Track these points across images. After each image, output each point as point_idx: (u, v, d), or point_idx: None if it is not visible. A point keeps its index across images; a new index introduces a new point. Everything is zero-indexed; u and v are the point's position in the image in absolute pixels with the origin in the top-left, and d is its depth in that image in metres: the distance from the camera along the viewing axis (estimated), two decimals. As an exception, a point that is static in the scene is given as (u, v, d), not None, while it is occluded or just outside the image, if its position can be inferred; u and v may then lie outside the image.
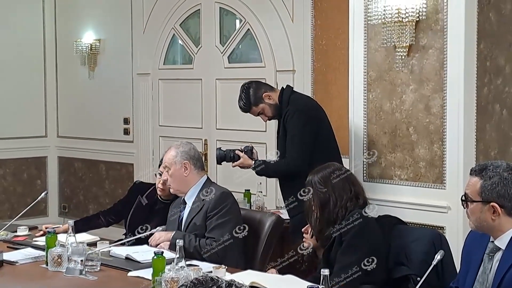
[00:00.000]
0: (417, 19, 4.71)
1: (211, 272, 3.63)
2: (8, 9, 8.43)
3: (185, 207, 4.41)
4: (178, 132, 7.54)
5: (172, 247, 4.10)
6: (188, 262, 3.64)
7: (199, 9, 7.40)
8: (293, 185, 4.62)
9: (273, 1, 6.75)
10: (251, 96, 5.03)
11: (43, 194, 5.06)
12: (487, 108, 4.80)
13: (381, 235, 3.67)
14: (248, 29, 7.00)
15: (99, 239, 4.48)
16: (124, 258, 4.02)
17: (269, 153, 6.06)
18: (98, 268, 3.81)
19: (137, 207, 4.76)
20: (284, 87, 5.11)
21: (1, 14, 8.39)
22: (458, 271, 3.37)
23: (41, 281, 3.77)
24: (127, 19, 8.03)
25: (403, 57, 4.80)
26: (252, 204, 5.82)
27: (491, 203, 3.01)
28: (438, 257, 3.20)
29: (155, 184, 4.74)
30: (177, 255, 3.44)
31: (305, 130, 4.84)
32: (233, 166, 5.09)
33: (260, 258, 4.35)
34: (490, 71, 4.81)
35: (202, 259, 4.06)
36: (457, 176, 4.63)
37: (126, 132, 8.16)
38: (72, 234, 3.90)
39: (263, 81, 5.81)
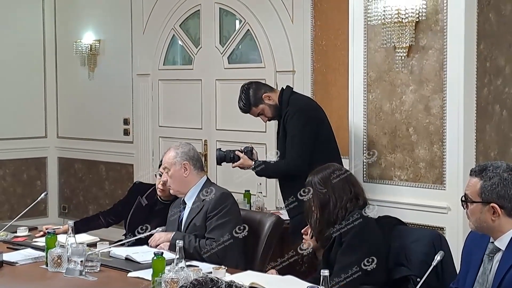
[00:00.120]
0: (417, 20, 4.71)
1: (211, 272, 3.63)
2: (8, 10, 8.43)
3: (185, 207, 4.42)
4: (178, 133, 7.54)
5: (172, 248, 4.10)
6: (188, 263, 3.64)
7: (198, 10, 7.40)
8: (293, 185, 4.62)
9: (273, 2, 6.75)
10: (251, 97, 5.03)
11: (43, 194, 5.06)
12: (487, 108, 4.80)
13: (381, 236, 3.67)
14: (248, 29, 7.00)
15: (99, 239, 4.48)
16: (124, 258, 4.02)
17: (269, 153, 6.06)
18: (98, 269, 3.81)
19: (137, 208, 4.76)
20: (284, 87, 5.11)
21: (1, 15, 8.39)
22: (458, 271, 3.37)
23: (41, 281, 3.77)
24: (127, 19, 8.03)
25: (403, 57, 4.80)
26: (252, 204, 5.82)
27: (491, 204, 3.01)
28: (438, 257, 3.20)
29: (155, 184, 4.74)
30: (177, 256, 3.44)
31: (305, 130, 4.84)
32: (233, 167, 5.09)
33: (260, 258, 4.35)
34: (490, 72, 4.81)
35: (202, 260, 4.06)
36: (457, 177, 4.63)
37: (126, 132, 8.16)
38: (72, 234, 3.90)
39: (263, 81, 5.81)
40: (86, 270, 3.74)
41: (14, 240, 4.54)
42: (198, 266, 3.77)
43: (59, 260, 3.82)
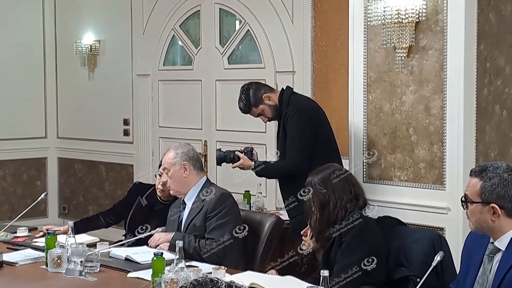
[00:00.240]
0: (417, 20, 4.71)
1: (211, 273, 3.63)
2: (8, 10, 8.43)
3: (184, 208, 4.41)
4: (178, 133, 7.54)
5: (171, 248, 4.10)
6: (187, 263, 3.64)
7: (198, 10, 7.40)
8: (293, 185, 4.62)
9: (273, 2, 6.75)
10: (251, 97, 5.03)
11: (43, 195, 5.07)
12: (487, 109, 4.80)
13: (381, 236, 3.67)
14: (248, 30, 7.00)
15: (98, 240, 4.48)
16: (123, 259, 4.02)
17: (269, 153, 6.06)
18: (98, 269, 3.81)
19: (136, 208, 4.76)
20: (284, 88, 5.11)
21: (1, 15, 8.39)
22: (458, 272, 3.37)
23: (41, 282, 3.77)
24: (127, 20, 8.03)
25: (403, 58, 4.80)
26: (251, 205, 5.82)
27: (491, 204, 3.01)
28: (438, 258, 3.20)
29: (154, 185, 4.74)
30: (177, 256, 3.44)
31: (305, 131, 4.84)
32: (233, 167, 5.10)
33: (259, 259, 4.35)
34: (490, 72, 4.81)
35: (202, 260, 4.06)
36: (457, 177, 4.63)
37: (126, 133, 8.16)
38: (71, 235, 3.90)
39: (263, 82, 5.81)
40: (86, 271, 3.74)
41: (14, 241, 4.54)
42: (198, 267, 3.77)
43: (59, 261, 3.82)
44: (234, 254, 4.21)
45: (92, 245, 4.26)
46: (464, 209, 3.12)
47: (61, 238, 4.01)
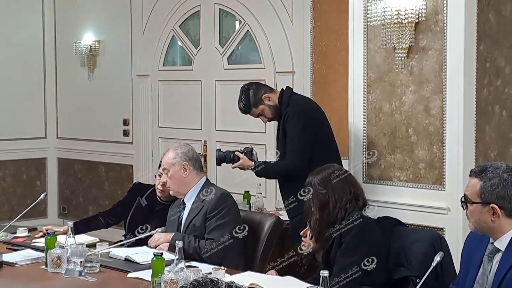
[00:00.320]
0: (417, 20, 4.71)
1: (211, 273, 3.63)
2: (8, 10, 8.43)
3: (184, 208, 4.41)
4: (178, 134, 7.54)
5: (171, 249, 4.09)
6: (187, 264, 3.64)
7: (198, 11, 7.40)
8: (293, 185, 4.62)
9: (272, 3, 6.75)
10: (250, 98, 5.03)
11: (42, 195, 5.07)
12: (486, 109, 4.80)
13: (381, 236, 3.67)
14: (248, 30, 7.00)
15: (98, 240, 4.48)
16: (123, 259, 4.02)
17: (269, 153, 6.06)
18: (98, 270, 3.81)
19: (136, 208, 4.76)
20: (284, 88, 5.11)
21: (1, 15, 8.39)
22: (457, 272, 3.37)
23: (41, 282, 3.77)
24: (126, 20, 8.03)
25: (402, 58, 4.80)
26: (251, 205, 5.82)
27: (491, 205, 3.01)
28: (437, 258, 3.20)
29: (154, 185, 4.74)
30: (177, 257, 3.44)
31: (304, 131, 4.85)
32: (233, 168, 5.10)
33: (259, 259, 4.35)
34: (490, 73, 4.81)
35: (202, 261, 4.06)
36: (456, 178, 4.63)
37: (126, 133, 8.16)
38: (71, 235, 3.90)
39: (263, 82, 5.81)
40: (85, 271, 3.74)
41: (14, 241, 4.54)
42: (197, 267, 3.77)
43: (58, 261, 3.82)
44: (234, 254, 4.21)
45: (92, 246, 4.26)
46: (464, 209, 3.12)
47: (60, 239, 4.01)
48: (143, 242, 4.30)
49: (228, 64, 7.20)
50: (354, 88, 5.12)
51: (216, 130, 7.30)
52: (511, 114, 4.95)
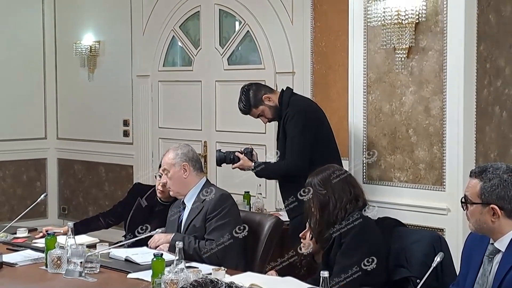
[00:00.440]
0: (417, 21, 4.71)
1: (211, 274, 3.63)
2: (8, 11, 8.43)
3: (184, 208, 4.41)
4: (178, 134, 7.54)
5: (171, 249, 4.09)
6: (187, 264, 3.64)
7: (198, 11, 7.40)
8: (293, 186, 4.62)
9: (272, 3, 6.75)
10: (251, 98, 5.03)
11: (42, 196, 5.07)
12: (486, 110, 4.80)
13: (381, 236, 3.67)
14: (248, 31, 7.00)
15: (98, 241, 4.48)
16: (123, 260, 4.02)
17: (269, 153, 6.06)
18: (98, 270, 3.81)
19: (136, 209, 4.76)
20: (284, 89, 5.11)
21: (1, 16, 8.39)
22: (457, 273, 3.37)
23: (41, 283, 3.77)
24: (126, 21, 8.03)
25: (402, 59, 4.80)
26: (251, 206, 5.82)
27: (491, 205, 3.01)
28: (437, 259, 3.20)
29: (154, 186, 4.73)
30: (177, 257, 3.44)
31: (304, 131, 4.85)
32: (233, 168, 5.10)
33: (259, 260, 4.35)
34: (490, 73, 4.81)
35: (202, 261, 4.06)
36: (456, 178, 4.63)
37: (126, 134, 8.16)
38: (71, 236, 3.90)
39: (263, 83, 5.81)
40: (85, 271, 3.74)
41: (14, 241, 4.54)
42: (197, 267, 3.77)
43: (58, 261, 3.82)
44: (234, 255, 4.21)
45: (92, 246, 4.26)
46: (464, 210, 3.12)
47: (61, 239, 4.01)
48: (143, 243, 4.30)
49: (228, 64, 7.20)
50: (354, 89, 5.12)
51: (216, 131, 7.30)
52: (511, 114, 4.95)
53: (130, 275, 3.76)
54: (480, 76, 4.73)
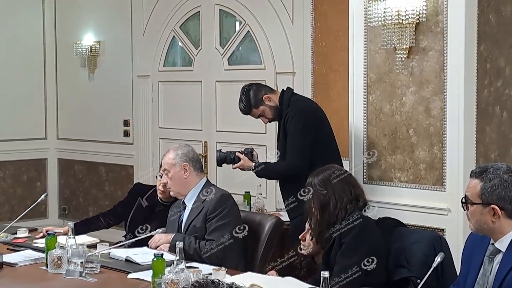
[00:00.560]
0: (417, 21, 4.71)
1: (211, 274, 3.63)
2: (9, 11, 8.43)
3: (185, 208, 4.41)
4: (178, 134, 7.54)
5: (172, 249, 4.09)
6: (188, 264, 3.64)
7: (199, 11, 7.40)
8: (293, 186, 4.62)
9: (273, 3, 6.75)
10: (251, 98, 5.03)
11: (43, 196, 5.07)
12: (487, 110, 4.80)
13: (381, 236, 3.67)
14: (248, 31, 7.00)
15: (99, 241, 4.48)
16: (124, 260, 4.02)
17: (269, 153, 6.06)
18: (98, 270, 3.82)
19: (137, 209, 4.75)
20: (284, 89, 5.11)
21: (1, 16, 8.39)
22: (458, 273, 3.37)
23: (41, 283, 3.77)
24: (127, 21, 8.02)
25: (403, 59, 4.80)
26: (252, 206, 5.82)
27: (491, 206, 3.01)
28: (438, 259, 3.21)
29: (155, 186, 4.73)
30: (177, 257, 3.44)
31: (305, 131, 4.85)
32: (234, 168, 5.09)
33: (259, 260, 4.35)
34: (490, 73, 4.81)
35: (202, 261, 4.06)
36: (457, 178, 4.63)
37: (126, 134, 8.16)
38: (72, 236, 3.90)
39: (263, 83, 5.81)
40: (86, 271, 3.74)
41: (14, 242, 4.54)
42: (198, 268, 3.77)
43: (59, 261, 3.82)
44: (234, 255, 4.21)
45: (92, 246, 4.26)
46: (464, 210, 3.12)
47: (61, 239, 4.01)
48: (143, 243, 4.30)
49: (229, 64, 7.20)
50: (355, 89, 5.12)
51: (217, 131, 7.30)
52: (511, 115, 4.95)
53: (130, 275, 3.76)
54: (481, 76, 4.73)
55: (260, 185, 5.97)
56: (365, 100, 5.05)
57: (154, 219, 4.56)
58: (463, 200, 3.10)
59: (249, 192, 5.95)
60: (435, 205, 4.73)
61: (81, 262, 3.73)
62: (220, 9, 7.23)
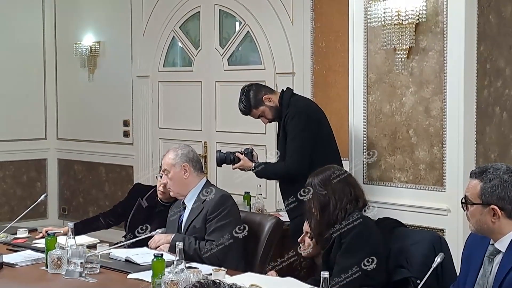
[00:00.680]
0: (417, 21, 4.71)
1: (211, 274, 3.63)
2: (8, 12, 8.43)
3: (185, 208, 4.41)
4: (178, 135, 7.54)
5: (172, 250, 4.09)
6: (187, 265, 3.64)
7: (198, 12, 7.40)
8: (293, 186, 4.62)
9: (272, 4, 6.75)
10: (251, 99, 5.03)
11: (42, 196, 5.07)
12: (487, 110, 4.80)
13: (381, 236, 3.67)
14: (248, 31, 7.00)
15: (98, 241, 4.48)
16: (124, 260, 4.02)
17: (269, 153, 6.06)
18: (98, 270, 3.81)
19: (137, 210, 4.75)
20: (284, 89, 5.11)
21: (1, 17, 8.39)
22: (458, 273, 3.37)
23: (41, 283, 3.77)
24: (127, 21, 8.02)
25: (403, 59, 4.80)
26: (251, 206, 5.82)
27: (491, 206, 3.01)
28: (438, 259, 3.21)
29: (155, 186, 4.73)
30: (177, 258, 3.44)
31: (305, 132, 4.84)
32: (233, 169, 5.09)
33: (259, 260, 4.34)
34: (490, 74, 4.81)
35: (202, 262, 4.06)
36: (457, 179, 4.63)
37: (126, 134, 8.16)
38: (71, 236, 3.90)
39: (263, 83, 5.81)
40: (86, 272, 3.74)
41: (14, 242, 4.54)
42: (198, 268, 3.77)
43: (59, 262, 3.82)
44: (234, 255, 4.21)
45: (92, 247, 4.26)
46: (464, 210, 3.12)
47: (61, 239, 4.01)
48: (143, 243, 4.29)
49: (228, 65, 7.20)
50: (354, 89, 5.12)
51: (217, 131, 7.30)
52: (511, 115, 4.95)
53: (130, 276, 3.76)
54: (480, 76, 4.73)
55: (260, 186, 5.97)
56: (365, 101, 5.05)
57: (154, 219, 4.56)
58: (463, 201, 3.10)
59: (249, 192, 5.95)
60: (435, 206, 4.73)
61: (81, 263, 3.73)
62: (220, 10, 7.23)
